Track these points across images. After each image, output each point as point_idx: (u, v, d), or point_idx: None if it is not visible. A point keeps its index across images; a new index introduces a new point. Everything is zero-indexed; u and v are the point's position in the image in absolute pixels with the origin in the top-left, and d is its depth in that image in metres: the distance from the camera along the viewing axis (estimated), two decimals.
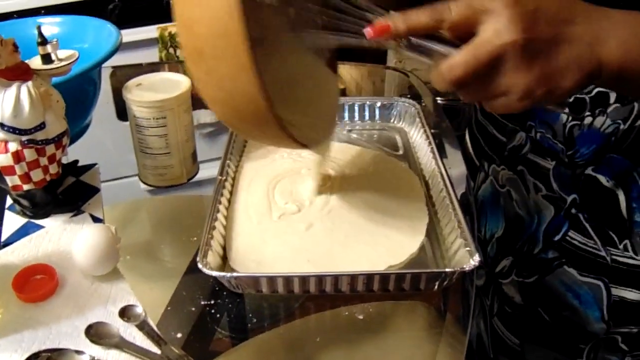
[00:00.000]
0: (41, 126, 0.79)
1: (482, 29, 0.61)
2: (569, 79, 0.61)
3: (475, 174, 1.08)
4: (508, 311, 1.04)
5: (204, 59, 0.60)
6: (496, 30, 0.60)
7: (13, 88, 0.76)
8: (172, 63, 1.83)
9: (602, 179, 0.84)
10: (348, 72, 1.19)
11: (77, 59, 0.83)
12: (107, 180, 0.95)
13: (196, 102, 0.98)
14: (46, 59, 0.82)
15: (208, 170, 1.02)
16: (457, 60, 0.62)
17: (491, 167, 1.02)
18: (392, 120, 1.10)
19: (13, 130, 0.77)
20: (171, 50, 1.87)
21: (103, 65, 0.99)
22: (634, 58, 0.61)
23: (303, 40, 0.73)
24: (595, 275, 0.89)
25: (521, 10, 0.60)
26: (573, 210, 0.88)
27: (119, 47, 0.99)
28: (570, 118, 0.84)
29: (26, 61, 0.80)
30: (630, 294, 0.88)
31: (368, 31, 0.65)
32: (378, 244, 0.81)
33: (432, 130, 0.98)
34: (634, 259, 0.86)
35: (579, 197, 0.87)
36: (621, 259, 0.86)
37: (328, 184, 0.92)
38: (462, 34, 0.62)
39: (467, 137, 1.11)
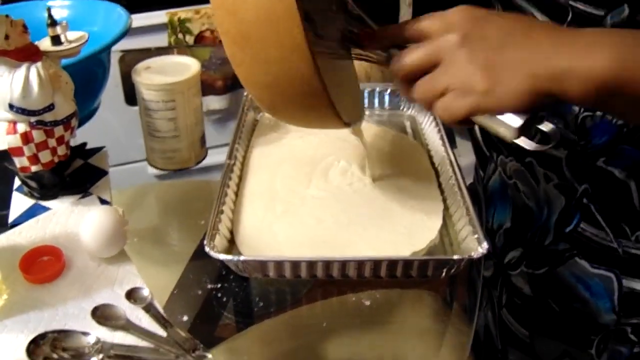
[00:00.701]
0: (50, 107, 0.78)
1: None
2: (512, 78, 0.61)
3: (486, 164, 1.06)
4: (517, 303, 1.03)
5: (250, 43, 0.61)
6: (442, 36, 0.64)
7: (22, 69, 0.75)
8: (181, 47, 1.82)
9: (615, 171, 0.83)
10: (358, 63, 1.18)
11: (86, 40, 0.82)
12: (115, 165, 0.95)
13: (205, 87, 0.97)
14: (55, 40, 0.81)
15: (216, 156, 1.01)
16: (403, 54, 0.67)
17: (499, 157, 1.00)
18: (401, 108, 1.08)
19: (22, 111, 0.76)
20: (180, 35, 1.87)
21: (112, 49, 0.99)
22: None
23: (336, 21, 0.75)
24: (607, 267, 0.88)
25: (470, 15, 0.64)
26: (584, 201, 0.87)
27: (129, 30, 0.97)
28: (582, 109, 0.83)
29: (36, 43, 0.79)
30: None
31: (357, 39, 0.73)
32: (397, 230, 0.80)
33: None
34: None
35: (591, 187, 0.86)
36: (633, 251, 0.85)
37: (338, 169, 0.91)
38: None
39: (476, 127, 1.09)
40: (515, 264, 1.01)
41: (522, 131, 0.65)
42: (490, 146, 1.04)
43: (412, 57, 0.66)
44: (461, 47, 0.63)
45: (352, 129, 0.82)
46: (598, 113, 0.81)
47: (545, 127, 0.67)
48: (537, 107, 0.63)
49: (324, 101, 0.65)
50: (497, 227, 1.04)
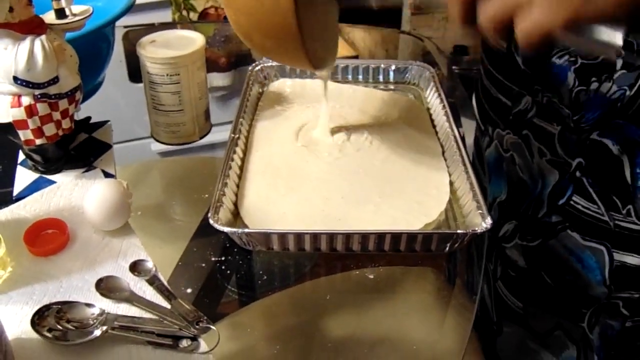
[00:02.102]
0: (54, 80, 0.76)
1: None
2: None
3: (480, 138, 1.05)
4: (511, 275, 1.02)
5: None
6: None
7: (27, 41, 0.72)
8: (185, 23, 1.80)
9: (608, 142, 0.82)
10: (361, 38, 1.16)
11: (91, 14, 0.80)
12: (118, 142, 0.93)
13: (209, 64, 0.95)
14: (60, 13, 0.78)
15: (220, 134, 0.99)
16: None
17: (495, 131, 0.99)
18: (406, 84, 1.06)
19: (26, 83, 0.74)
20: (184, 12, 1.85)
21: (116, 24, 0.96)
22: None
23: None
24: (598, 240, 0.87)
25: None
26: (578, 174, 0.86)
27: (133, 5, 0.95)
28: (577, 83, 0.82)
29: (40, 16, 0.76)
30: (632, 259, 0.86)
31: None
32: (406, 201, 0.77)
33: (449, 100, 0.94)
34: (636, 224, 0.84)
35: (585, 161, 0.85)
36: (624, 224, 0.84)
37: (342, 138, 0.89)
38: None
39: (473, 101, 1.08)
40: (510, 237, 1.00)
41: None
42: (485, 120, 1.02)
43: None
44: None
45: (318, 73, 0.82)
46: (592, 87, 0.80)
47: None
48: (632, 14, 0.53)
49: (296, 39, 0.65)
50: (492, 201, 1.03)
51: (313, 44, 0.69)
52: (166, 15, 1.87)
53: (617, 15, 0.52)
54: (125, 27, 1.29)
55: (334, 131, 0.90)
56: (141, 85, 0.94)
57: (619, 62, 0.77)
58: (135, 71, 0.95)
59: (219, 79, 1.26)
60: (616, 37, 0.53)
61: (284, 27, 0.65)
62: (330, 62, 0.84)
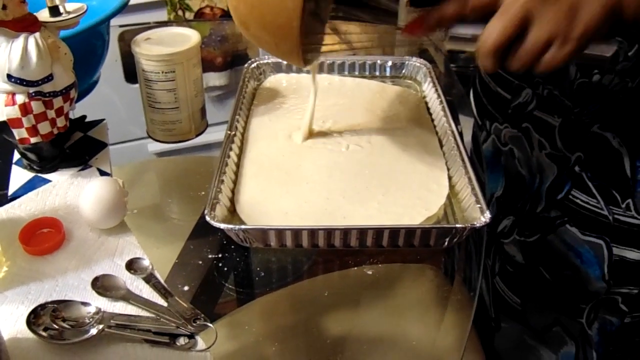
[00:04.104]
0: (49, 78, 0.74)
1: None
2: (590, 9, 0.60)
3: (478, 133, 1.04)
4: (509, 271, 1.02)
5: None
6: None
7: (20, 39, 0.71)
8: (181, 22, 1.79)
9: (609, 136, 0.81)
10: (357, 38, 1.15)
11: (85, 11, 0.79)
12: (114, 143, 0.91)
13: (204, 64, 0.94)
14: (54, 11, 0.77)
15: (216, 134, 0.97)
16: (490, 28, 0.63)
17: (493, 125, 0.99)
18: (403, 78, 1.04)
19: (20, 81, 0.73)
20: (180, 12, 1.84)
21: (112, 24, 0.95)
22: None
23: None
24: (597, 234, 0.87)
25: None
26: (577, 169, 0.86)
27: (127, 3, 0.94)
28: (578, 75, 0.81)
29: (34, 13, 0.75)
30: (631, 254, 0.86)
31: (404, 30, 0.71)
32: (408, 197, 0.76)
33: (447, 98, 0.93)
34: (635, 218, 0.84)
35: (584, 155, 0.85)
36: (623, 219, 0.84)
37: (339, 133, 0.88)
38: (486, 11, 0.64)
39: (471, 96, 1.07)
40: (508, 232, 1.00)
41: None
42: (483, 114, 1.02)
43: (504, 25, 0.62)
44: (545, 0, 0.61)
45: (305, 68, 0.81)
46: (594, 79, 0.80)
47: None
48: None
49: (295, 40, 0.66)
50: (489, 196, 1.02)
51: (305, 42, 0.69)
52: (162, 16, 1.86)
53: (602, 35, 0.62)
54: (121, 26, 1.28)
55: (331, 126, 0.90)
56: (137, 86, 0.93)
57: (621, 54, 0.76)
58: (131, 72, 0.94)
59: (215, 79, 1.25)
60: (607, 51, 0.65)
61: (285, 27, 0.65)
62: (316, 57, 0.84)
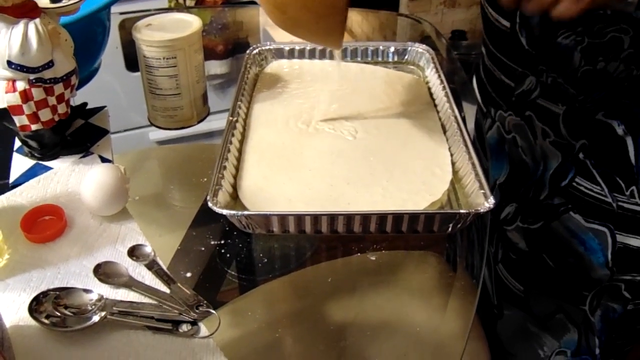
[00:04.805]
0: (49, 64, 0.74)
1: None
2: None
3: (482, 120, 1.03)
4: (512, 258, 1.01)
5: None
6: None
7: (20, 25, 0.70)
8: (181, 9, 1.78)
9: (614, 123, 0.81)
10: (359, 25, 1.14)
11: None
12: (115, 131, 0.91)
13: (206, 52, 0.93)
14: None
15: (218, 121, 0.97)
16: None
17: (498, 113, 0.98)
18: (405, 64, 1.03)
19: (21, 68, 0.72)
20: (181, 0, 1.83)
21: (112, 11, 0.94)
22: None
23: None
24: (601, 221, 0.87)
25: None
26: (581, 156, 0.85)
27: None
28: (583, 62, 0.80)
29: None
30: (635, 241, 0.86)
31: None
32: (412, 182, 0.76)
33: (451, 85, 0.92)
34: (639, 205, 0.83)
35: (588, 142, 0.84)
36: (627, 206, 0.84)
37: (342, 119, 0.87)
38: None
39: (474, 83, 1.06)
40: (511, 219, 0.99)
41: None
42: (487, 102, 1.01)
43: None
44: None
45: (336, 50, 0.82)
46: (599, 67, 0.79)
47: None
48: None
49: (341, 15, 0.65)
50: (492, 183, 1.02)
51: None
52: (162, 3, 1.85)
53: None
54: (122, 14, 1.27)
55: (334, 111, 0.89)
56: (138, 74, 0.92)
57: (626, 42, 0.75)
58: (132, 60, 0.93)
59: (216, 67, 1.24)
60: None
61: (333, 2, 0.64)
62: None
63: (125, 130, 1.03)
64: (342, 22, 0.66)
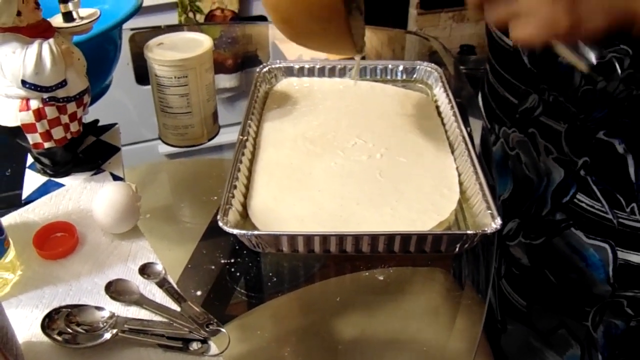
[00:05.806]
0: (62, 84, 0.74)
1: None
2: (595, 20, 0.59)
3: (488, 135, 1.04)
4: (515, 273, 1.01)
5: None
6: None
7: (35, 45, 0.71)
8: (192, 26, 1.78)
9: (615, 142, 0.81)
10: (368, 39, 1.14)
11: (98, 17, 0.78)
12: (126, 144, 0.91)
13: (215, 66, 0.93)
14: (67, 16, 0.77)
15: (228, 135, 0.97)
16: None
17: (502, 129, 0.98)
18: (414, 82, 1.04)
19: (34, 87, 0.72)
20: (190, 14, 1.83)
21: (123, 27, 0.94)
22: None
23: None
24: (602, 237, 0.86)
25: None
26: (582, 173, 0.85)
27: (140, 8, 0.93)
28: (583, 82, 0.80)
29: (48, 19, 0.75)
30: (636, 258, 0.85)
31: None
32: (421, 202, 0.76)
33: (457, 100, 0.92)
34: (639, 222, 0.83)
35: (590, 160, 0.84)
36: (627, 222, 0.83)
37: (352, 138, 0.88)
38: None
39: (479, 99, 1.06)
40: (514, 235, 0.99)
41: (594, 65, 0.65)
42: (492, 118, 1.01)
43: None
44: None
45: (356, 56, 0.81)
46: (599, 86, 0.79)
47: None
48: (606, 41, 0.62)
49: (341, 18, 0.65)
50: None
51: (353, 24, 0.68)
52: (172, 18, 1.85)
53: (592, 40, 0.61)
54: (132, 29, 1.27)
55: (344, 130, 0.89)
56: (148, 87, 0.92)
57: (626, 62, 0.75)
58: (142, 74, 0.93)
59: (225, 81, 1.25)
60: (591, 55, 0.63)
61: (332, 7, 0.64)
62: (363, 43, 0.83)
63: (134, 143, 1.03)
64: (346, 24, 0.66)
